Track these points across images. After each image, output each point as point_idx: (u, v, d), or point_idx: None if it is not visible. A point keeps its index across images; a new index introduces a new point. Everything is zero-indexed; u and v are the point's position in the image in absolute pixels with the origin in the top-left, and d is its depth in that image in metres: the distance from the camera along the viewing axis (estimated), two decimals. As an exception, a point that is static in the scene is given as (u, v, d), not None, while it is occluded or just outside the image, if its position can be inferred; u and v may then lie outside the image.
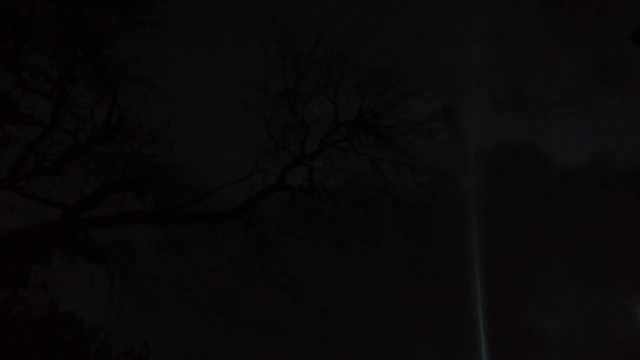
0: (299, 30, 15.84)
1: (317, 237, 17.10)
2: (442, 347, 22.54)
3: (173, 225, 16.45)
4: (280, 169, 16.30)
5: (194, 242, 16.85)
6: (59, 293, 14.84)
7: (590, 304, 25.10)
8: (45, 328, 14.46)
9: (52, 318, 14.61)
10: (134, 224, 16.03)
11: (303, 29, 15.87)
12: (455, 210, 20.77)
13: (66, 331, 14.73)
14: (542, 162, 27.24)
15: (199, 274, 17.20)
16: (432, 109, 17.06)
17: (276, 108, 16.17)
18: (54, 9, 15.11)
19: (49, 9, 15.06)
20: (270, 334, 20.60)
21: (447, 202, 19.69)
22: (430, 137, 16.62)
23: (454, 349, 22.39)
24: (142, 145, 15.97)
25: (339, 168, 16.51)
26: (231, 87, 16.30)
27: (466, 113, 19.63)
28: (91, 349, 14.91)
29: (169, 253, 16.59)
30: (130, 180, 15.87)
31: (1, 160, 14.97)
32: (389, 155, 16.46)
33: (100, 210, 15.64)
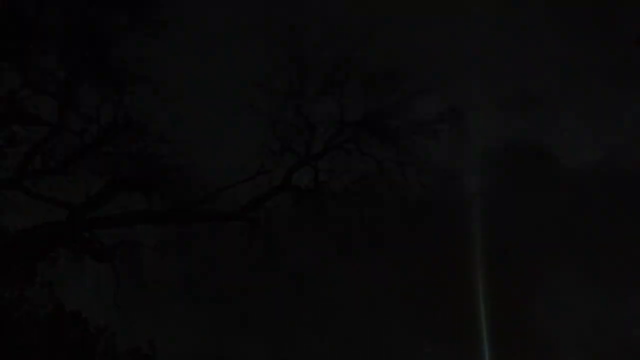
0: (305, 30, 15.84)
1: (323, 237, 17.12)
2: (447, 345, 22.53)
3: (179, 224, 16.51)
4: (285, 169, 16.34)
5: (199, 241, 16.90)
6: (64, 292, 14.96)
7: (597, 304, 25.00)
8: (50, 327, 14.57)
9: (57, 317, 14.73)
10: (140, 224, 16.10)
11: (309, 28, 15.88)
12: (461, 210, 20.73)
13: (72, 330, 14.85)
14: (549, 161, 27.10)
15: (204, 273, 17.24)
16: (439, 109, 17.03)
17: (282, 108, 16.20)
18: (60, 8, 15.17)
19: (55, 9, 15.13)
20: (276, 333, 20.64)
21: (453, 202, 19.67)
22: (436, 137, 16.60)
23: (459, 348, 22.37)
24: (148, 145, 15.96)
25: (344, 169, 16.53)
26: (237, 87, 16.31)
27: (473, 113, 19.54)
28: (97, 348, 15.03)
29: (174, 252, 16.63)
30: (136, 180, 15.91)
31: (7, 160, 15.06)
32: (395, 155, 16.47)
33: (106, 210, 15.72)
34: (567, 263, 24.80)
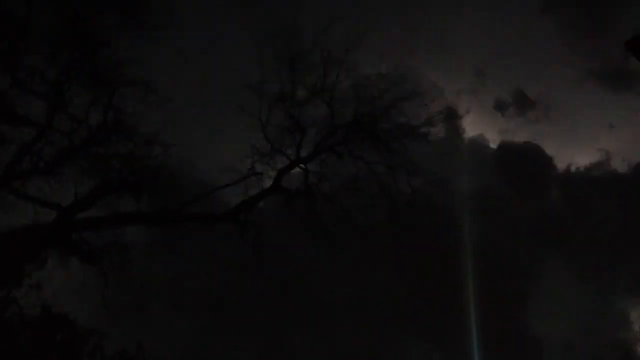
0: (296, 32, 15.79)
1: (313, 239, 17.04)
2: (439, 346, 22.54)
3: (168, 226, 16.42)
4: (276, 171, 16.28)
5: (188, 243, 16.82)
6: (52, 294, 14.87)
7: (587, 307, 25.06)
8: (38, 329, 14.49)
9: (45, 319, 14.63)
10: (129, 225, 16.01)
11: (300, 31, 15.82)
12: (456, 211, 20.74)
13: (59, 332, 14.75)
14: (544, 163, 27.15)
15: (193, 275, 17.20)
16: (432, 111, 16.98)
17: (272, 111, 16.13)
18: (51, 9, 15.08)
19: (46, 9, 15.03)
20: (266, 335, 20.62)
21: (446, 203, 19.65)
22: (427, 140, 16.55)
23: (449, 348, 22.40)
24: (138, 146, 15.89)
25: (334, 171, 16.44)
26: (228, 89, 16.28)
27: (468, 115, 19.57)
28: (84, 350, 14.94)
29: (163, 254, 16.56)
30: (126, 181, 15.82)
31: (-4, 160, 14.96)
32: (385, 159, 16.37)
33: (95, 211, 15.63)
34: (558, 265, 24.84)
